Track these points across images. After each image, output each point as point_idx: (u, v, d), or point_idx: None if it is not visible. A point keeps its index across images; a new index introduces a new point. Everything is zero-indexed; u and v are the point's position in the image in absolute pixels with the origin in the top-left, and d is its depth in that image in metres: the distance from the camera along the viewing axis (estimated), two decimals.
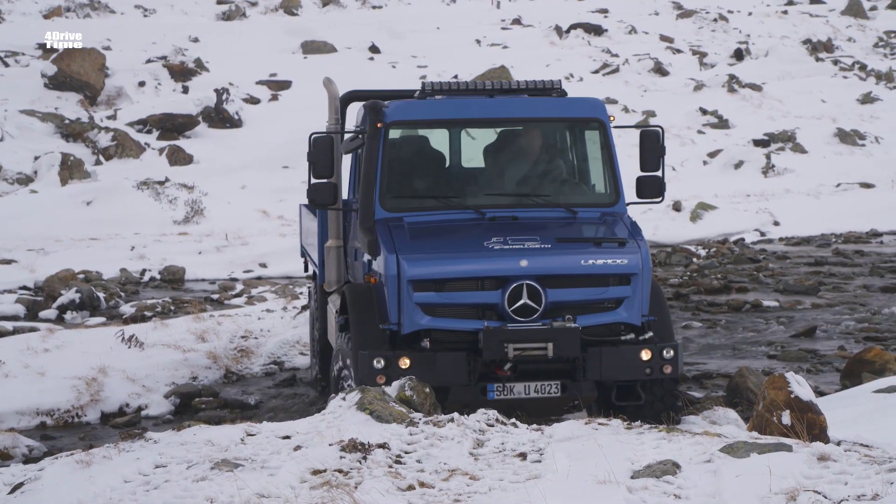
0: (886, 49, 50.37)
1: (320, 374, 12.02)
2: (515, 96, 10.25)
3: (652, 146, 10.00)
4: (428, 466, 6.55)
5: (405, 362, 8.90)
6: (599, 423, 8.02)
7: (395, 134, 9.96)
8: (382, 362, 8.90)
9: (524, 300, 9.01)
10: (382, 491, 5.84)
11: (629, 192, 10.01)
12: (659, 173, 10.01)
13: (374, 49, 45.47)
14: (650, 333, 9.34)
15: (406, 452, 6.86)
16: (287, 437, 7.20)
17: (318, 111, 37.11)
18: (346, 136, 11.24)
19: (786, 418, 7.17)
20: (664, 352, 9.18)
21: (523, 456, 6.63)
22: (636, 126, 10.46)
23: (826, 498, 4.75)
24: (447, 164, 10.48)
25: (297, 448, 6.86)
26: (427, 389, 8.64)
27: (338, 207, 10.39)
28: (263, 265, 23.60)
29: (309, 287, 13.69)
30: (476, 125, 10.30)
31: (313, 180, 9.88)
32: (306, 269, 14.29)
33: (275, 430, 7.45)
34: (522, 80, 10.37)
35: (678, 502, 5.24)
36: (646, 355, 9.15)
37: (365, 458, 6.59)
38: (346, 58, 43.72)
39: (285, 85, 40.87)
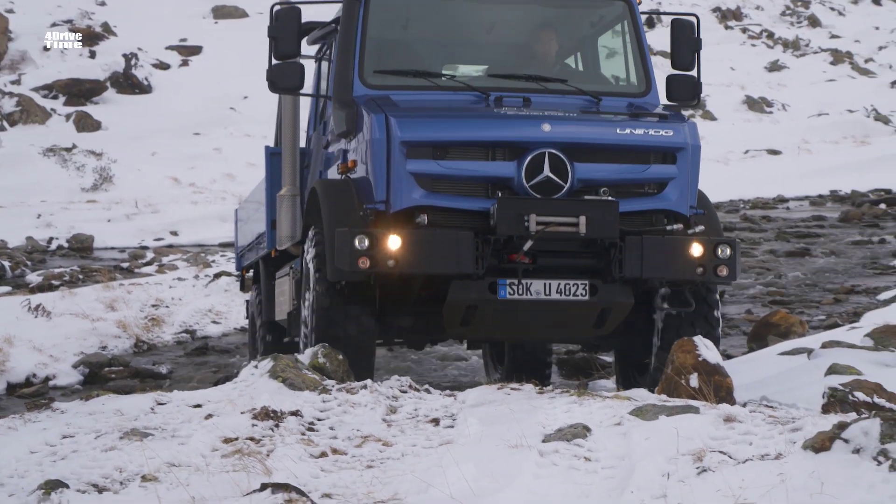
0: (794, 17, 51.20)
1: None
2: None
3: (686, 39, 8.40)
4: (341, 433, 6.54)
5: (395, 241, 7.20)
6: (512, 388, 8.07)
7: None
8: (366, 241, 7.19)
9: (546, 173, 7.35)
10: (295, 458, 5.82)
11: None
12: (694, 72, 8.41)
13: None
14: (701, 228, 7.73)
15: (319, 420, 6.84)
16: (198, 406, 7.13)
17: (229, 77, 36.63)
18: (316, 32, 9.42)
19: (693, 381, 7.28)
20: (719, 249, 7.47)
21: (436, 422, 6.65)
22: (667, 13, 8.96)
23: (731, 458, 4.85)
24: (444, 39, 8.85)
25: (209, 416, 6.80)
26: (340, 356, 8.58)
27: (304, 93, 8.74)
28: (175, 233, 23.34)
29: (250, 309, 12.07)
30: None
31: (274, 61, 8.23)
32: (243, 287, 12.88)
33: (185, 398, 7.37)
34: None
35: (588, 465, 5.30)
36: (697, 250, 7.44)
37: (277, 425, 6.55)
38: (257, 23, 43.14)
39: (196, 50, 40.27)
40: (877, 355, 9.16)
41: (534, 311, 7.53)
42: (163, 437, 6.33)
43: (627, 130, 7.58)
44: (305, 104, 9.67)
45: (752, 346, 12.06)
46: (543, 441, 5.74)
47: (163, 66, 38.68)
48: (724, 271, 7.47)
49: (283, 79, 8.13)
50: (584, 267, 7.55)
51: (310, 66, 9.49)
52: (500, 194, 7.33)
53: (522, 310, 7.51)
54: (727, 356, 10.49)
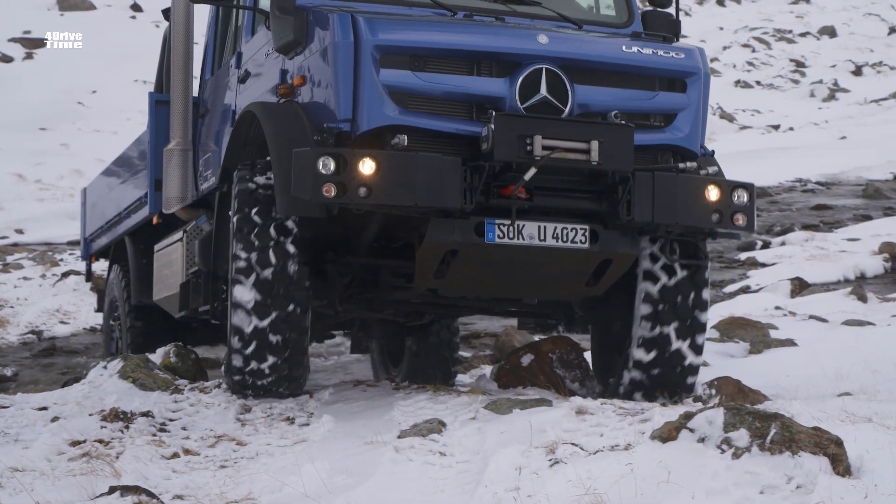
0: None
1: None
2: None
3: None
4: (193, 433, 6.45)
5: (369, 166, 5.97)
6: (368, 385, 8.08)
7: None
8: (332, 164, 5.96)
9: (543, 94, 6.36)
10: (146, 460, 5.70)
11: None
12: (671, 10, 7.53)
13: (136, 7, 43.97)
14: (716, 168, 6.87)
15: (171, 420, 6.74)
16: (44, 409, 6.95)
17: (77, 70, 35.63)
18: None
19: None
20: (735, 193, 6.51)
21: (291, 420, 6.60)
22: None
23: (583, 449, 4.93)
24: None
25: (55, 419, 6.63)
26: (193, 356, 8.43)
27: (227, 3, 7.56)
28: (20, 231, 22.61)
29: (107, 297, 10.66)
30: None
31: None
32: (89, 278, 12.01)
33: (30, 401, 7.17)
34: None
35: (444, 459, 5.33)
36: (714, 193, 6.46)
37: (127, 427, 6.42)
38: (106, 15, 42.09)
39: (40, 43, 39.07)
40: (722, 346, 9.45)
41: (523, 261, 6.48)
42: (5, 441, 6.13)
43: (635, 49, 6.68)
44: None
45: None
46: (399, 437, 5.75)
47: (6, 59, 37.41)
48: (740, 220, 6.50)
49: None
50: (583, 209, 6.52)
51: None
52: (492, 114, 6.18)
53: (511, 258, 6.44)
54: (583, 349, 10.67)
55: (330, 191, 5.94)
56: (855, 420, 5.12)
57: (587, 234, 6.43)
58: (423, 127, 6.26)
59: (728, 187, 6.50)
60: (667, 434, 4.61)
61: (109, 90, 33.72)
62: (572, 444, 5.03)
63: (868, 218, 21.37)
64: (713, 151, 6.96)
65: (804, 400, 6.43)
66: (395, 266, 7.04)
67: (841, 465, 4.21)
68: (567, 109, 6.39)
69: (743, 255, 16.98)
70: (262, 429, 6.40)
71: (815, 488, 3.97)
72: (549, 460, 4.83)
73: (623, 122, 6.38)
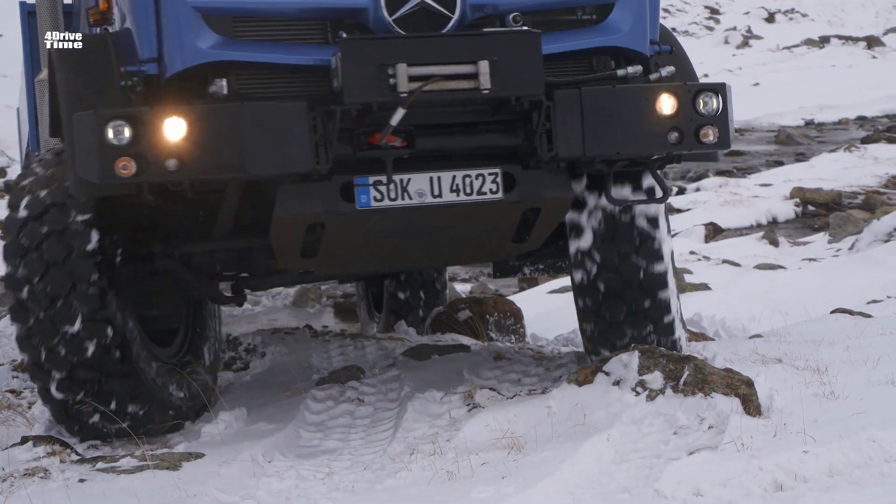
0: None
1: None
2: None
3: None
4: None
5: (176, 126, 4.30)
6: (286, 333, 8.03)
7: None
8: (127, 130, 4.28)
9: None
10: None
11: None
12: None
13: None
14: (670, 69, 4.98)
15: None
16: None
17: None
18: None
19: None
20: (700, 100, 4.71)
21: None
22: None
23: (500, 395, 4.97)
24: None
25: None
26: None
27: None
28: None
29: None
30: None
31: None
32: None
33: None
34: None
35: (361, 407, 5.34)
36: (668, 104, 4.69)
37: None
38: None
39: None
40: None
41: (418, 226, 4.88)
42: None
43: None
44: None
45: (522, 285, 12.41)
46: (318, 384, 5.75)
47: None
48: (710, 135, 4.72)
49: None
50: (489, 147, 4.84)
51: None
52: (344, 35, 4.52)
53: (399, 224, 4.83)
54: (500, 295, 10.75)
55: (129, 168, 4.29)
56: (766, 361, 5.22)
57: (499, 179, 4.77)
58: (257, 61, 4.59)
59: (687, 94, 4.72)
60: (583, 378, 4.66)
61: (14, 33, 32.84)
62: (490, 389, 5.06)
63: (780, 163, 21.76)
64: (671, 48, 5.20)
65: (717, 342, 6.55)
66: (262, 245, 5.26)
67: (752, 405, 4.29)
68: (455, 16, 4.66)
69: None
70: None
71: (726, 428, 4.05)
72: (468, 405, 4.86)
73: (524, 27, 4.71)
